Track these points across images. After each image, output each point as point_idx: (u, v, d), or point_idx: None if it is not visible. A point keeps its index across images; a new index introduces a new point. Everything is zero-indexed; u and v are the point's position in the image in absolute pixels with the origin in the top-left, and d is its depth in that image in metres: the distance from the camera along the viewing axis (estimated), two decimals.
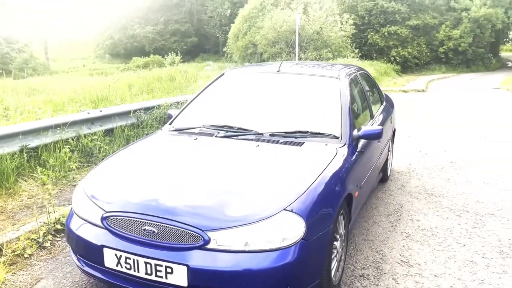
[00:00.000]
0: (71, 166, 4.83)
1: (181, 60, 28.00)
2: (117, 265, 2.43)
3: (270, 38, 23.57)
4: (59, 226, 3.64)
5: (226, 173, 2.81)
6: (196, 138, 3.29)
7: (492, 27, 28.89)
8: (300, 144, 3.11)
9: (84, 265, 2.65)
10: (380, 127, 3.45)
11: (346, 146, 3.15)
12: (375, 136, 3.38)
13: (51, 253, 3.37)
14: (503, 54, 39.10)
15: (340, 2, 28.24)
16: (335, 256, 2.79)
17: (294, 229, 2.33)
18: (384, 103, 5.05)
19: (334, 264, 2.78)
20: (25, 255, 3.25)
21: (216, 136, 3.27)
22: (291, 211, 2.36)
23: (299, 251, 2.32)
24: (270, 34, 23.40)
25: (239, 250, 2.28)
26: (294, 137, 3.20)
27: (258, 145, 3.07)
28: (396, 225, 4.00)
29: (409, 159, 6.26)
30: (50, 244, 3.46)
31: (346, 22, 24.14)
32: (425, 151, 6.75)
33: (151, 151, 3.29)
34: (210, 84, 4.08)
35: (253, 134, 3.25)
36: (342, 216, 2.90)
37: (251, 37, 26.05)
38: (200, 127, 3.46)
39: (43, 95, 9.24)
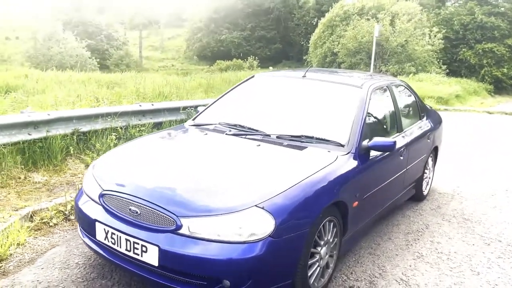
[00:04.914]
0: None
1: (259, 64, 28.68)
2: (105, 239, 2.68)
3: (351, 48, 23.20)
4: None
5: (214, 167, 2.94)
6: (206, 134, 3.47)
7: None
8: (302, 148, 3.14)
9: (84, 236, 2.95)
10: (393, 139, 3.34)
11: (349, 154, 3.12)
12: (387, 148, 3.29)
13: (73, 225, 3.74)
14: None
15: (435, 15, 26.95)
16: (317, 261, 2.79)
17: (263, 226, 2.39)
18: (425, 119, 4.83)
19: (315, 270, 2.78)
20: (51, 224, 3.66)
21: (226, 134, 3.42)
22: (262, 208, 2.43)
23: (266, 248, 2.38)
24: (351, 44, 23.04)
25: (208, 239, 2.40)
26: (299, 141, 3.24)
27: (259, 145, 3.17)
28: (411, 244, 3.83)
29: (458, 182, 5.88)
30: (75, 217, 3.84)
31: (435, 36, 22.98)
32: (480, 175, 6.28)
33: (160, 141, 3.55)
34: (238, 85, 4.24)
35: (261, 134, 3.34)
36: (332, 224, 2.89)
37: (330, 45, 25.81)
38: (216, 124, 3.63)
39: (119, 88, 10.10)
